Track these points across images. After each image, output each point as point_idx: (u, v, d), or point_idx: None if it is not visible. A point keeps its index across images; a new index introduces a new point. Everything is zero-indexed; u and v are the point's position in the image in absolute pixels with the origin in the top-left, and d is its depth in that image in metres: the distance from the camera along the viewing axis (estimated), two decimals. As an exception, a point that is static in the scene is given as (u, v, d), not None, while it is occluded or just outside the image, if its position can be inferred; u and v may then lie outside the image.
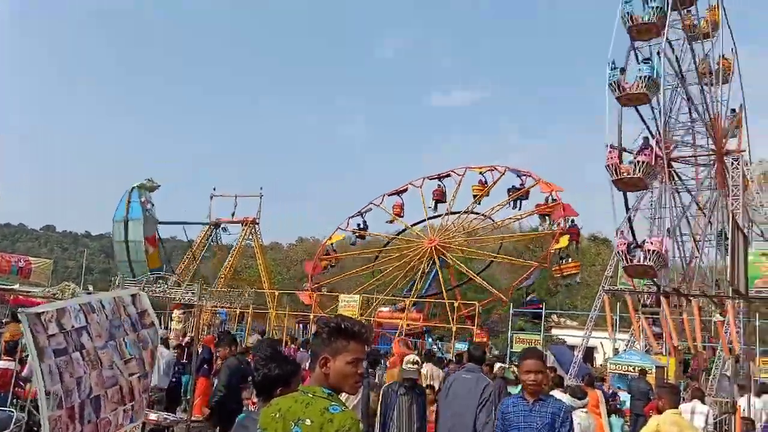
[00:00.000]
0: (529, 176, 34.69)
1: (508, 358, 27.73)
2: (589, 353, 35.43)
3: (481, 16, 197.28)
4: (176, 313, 31.43)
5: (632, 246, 22.82)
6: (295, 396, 2.63)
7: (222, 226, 47.83)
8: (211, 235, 48.06)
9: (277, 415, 2.57)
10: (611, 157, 23.09)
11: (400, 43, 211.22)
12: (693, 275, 27.63)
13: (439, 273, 34.53)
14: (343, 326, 2.66)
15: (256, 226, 47.04)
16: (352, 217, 38.07)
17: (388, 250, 38.88)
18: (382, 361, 14.32)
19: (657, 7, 24.01)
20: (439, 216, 37.32)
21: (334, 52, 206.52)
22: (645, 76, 22.92)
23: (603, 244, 56.74)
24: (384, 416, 7.08)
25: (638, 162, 22.43)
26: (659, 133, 24.26)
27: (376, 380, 11.63)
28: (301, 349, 17.56)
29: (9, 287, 29.13)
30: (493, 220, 36.15)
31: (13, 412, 8.37)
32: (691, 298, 23.80)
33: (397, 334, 30.01)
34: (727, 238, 22.36)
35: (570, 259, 32.11)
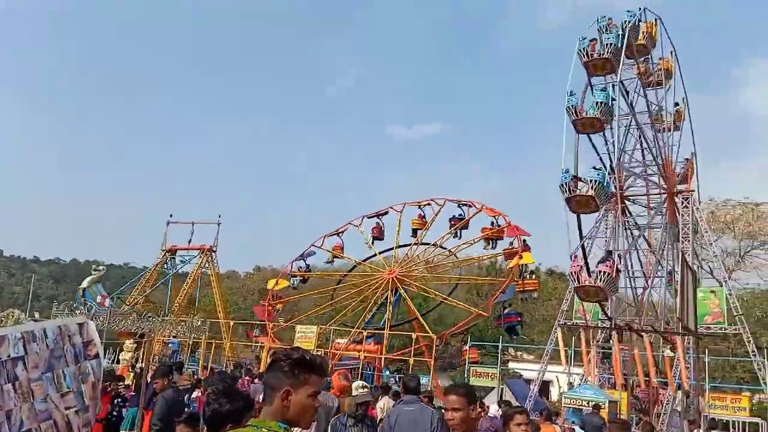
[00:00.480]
0: (471, 206, 35.24)
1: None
2: (545, 387, 35.69)
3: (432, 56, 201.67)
4: (127, 343, 30.45)
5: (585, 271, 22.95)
6: (248, 431, 2.56)
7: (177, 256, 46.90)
8: (166, 263, 47.03)
9: None
10: (575, 266, 23.03)
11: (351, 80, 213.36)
12: (644, 311, 28.19)
13: (401, 302, 34.43)
14: (306, 358, 2.62)
15: (213, 253, 46.28)
16: (296, 260, 37.79)
17: (347, 280, 38.58)
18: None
19: (611, 44, 24.92)
20: (407, 245, 37.31)
21: (290, 85, 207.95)
22: (600, 102, 23.52)
23: (560, 278, 57.57)
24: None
25: (600, 272, 22.35)
26: (612, 167, 24.86)
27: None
28: (256, 381, 17.16)
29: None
30: (445, 248, 36.30)
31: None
32: (642, 333, 24.23)
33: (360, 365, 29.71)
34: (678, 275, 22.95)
35: (533, 276, 32.29)
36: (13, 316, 24.20)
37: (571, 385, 28.11)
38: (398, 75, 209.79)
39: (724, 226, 43.41)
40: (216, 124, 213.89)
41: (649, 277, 28.65)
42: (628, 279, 28.09)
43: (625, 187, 29.00)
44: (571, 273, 22.79)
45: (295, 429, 2.63)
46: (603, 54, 24.72)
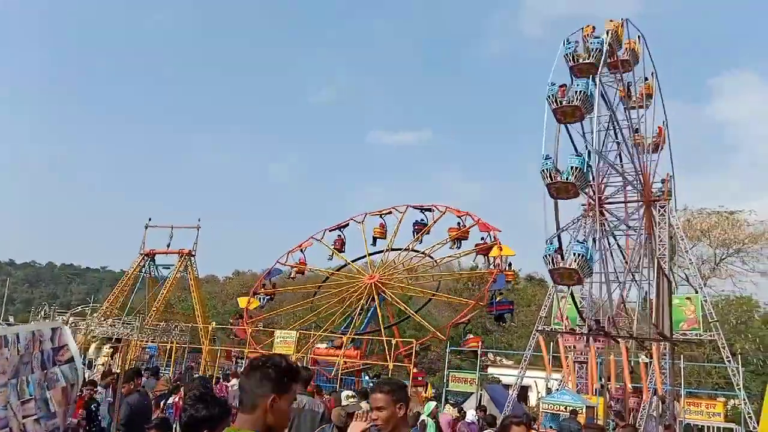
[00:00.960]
0: (435, 209, 35.49)
1: (443, 397, 27.71)
2: (523, 392, 35.86)
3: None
4: (104, 348, 30.09)
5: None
6: None
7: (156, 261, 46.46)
8: (144, 267, 46.52)
9: None
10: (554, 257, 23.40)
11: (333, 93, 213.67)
12: (621, 317, 28.51)
13: (378, 309, 34.40)
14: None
15: (192, 258, 45.87)
16: (264, 279, 37.69)
17: (327, 285, 38.51)
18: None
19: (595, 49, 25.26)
20: (380, 252, 37.39)
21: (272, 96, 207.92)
22: (580, 91, 23.71)
23: (539, 285, 58.00)
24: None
25: (575, 254, 22.63)
26: (593, 185, 25.10)
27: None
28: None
29: None
30: (432, 258, 36.42)
31: None
32: (619, 339, 24.49)
33: (333, 371, 29.61)
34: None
35: (503, 298, 32.50)
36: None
37: (549, 390, 28.27)
38: (379, 85, 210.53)
39: (699, 234, 44.06)
40: (196, 132, 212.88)
41: (626, 284, 28.99)
42: (605, 285, 28.35)
43: (603, 195, 29.34)
44: (546, 256, 22.90)
45: None
46: (587, 59, 25.11)
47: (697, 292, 29.34)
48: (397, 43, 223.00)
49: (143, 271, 46.84)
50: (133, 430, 7.69)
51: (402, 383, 4.14)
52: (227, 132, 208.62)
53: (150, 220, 46.44)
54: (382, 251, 37.21)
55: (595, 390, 23.58)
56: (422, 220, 36.06)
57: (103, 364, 28.34)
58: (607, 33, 26.92)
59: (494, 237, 33.02)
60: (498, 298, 31.89)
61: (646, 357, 24.64)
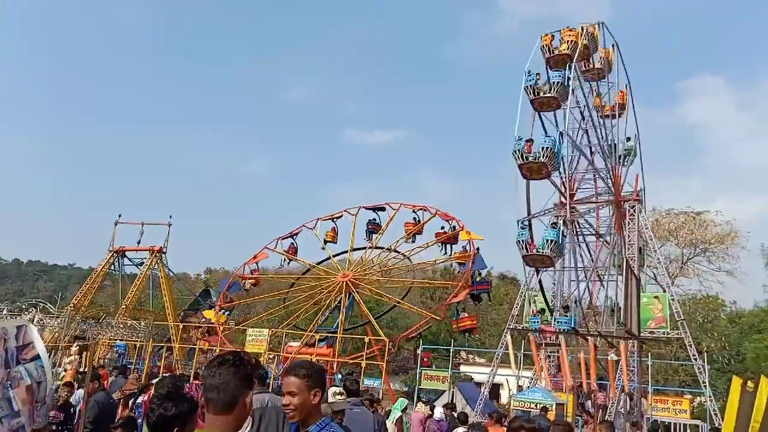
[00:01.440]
0: (426, 210, 35.51)
1: (416, 395, 27.81)
2: (495, 390, 36.17)
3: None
4: (72, 348, 29.47)
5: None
6: None
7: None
8: (113, 263, 45.76)
9: None
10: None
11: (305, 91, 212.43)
12: (591, 315, 28.90)
13: (355, 305, 34.35)
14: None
15: (163, 255, 45.25)
16: (248, 263, 37.38)
17: (300, 284, 38.31)
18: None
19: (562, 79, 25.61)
20: (344, 252, 37.25)
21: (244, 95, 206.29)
22: (557, 82, 23.97)
23: (511, 283, 58.55)
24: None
25: (546, 240, 22.91)
26: (564, 179, 25.42)
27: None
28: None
29: None
30: (400, 252, 36.37)
31: None
32: (588, 337, 24.82)
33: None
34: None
35: (466, 313, 32.38)
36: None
37: (520, 388, 28.55)
38: (353, 84, 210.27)
39: (667, 234, 44.92)
40: (168, 129, 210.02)
41: (596, 282, 29.39)
42: (576, 284, 28.74)
43: (575, 195, 29.71)
44: (519, 242, 23.13)
45: None
46: (562, 50, 25.45)
47: (664, 291, 29.87)
48: (371, 43, 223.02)
49: (112, 268, 46.08)
50: (100, 429, 7.64)
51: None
52: (199, 130, 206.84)
53: (120, 216, 45.74)
54: (363, 248, 37.04)
55: (566, 387, 23.87)
56: (414, 218, 35.96)
57: (70, 363, 27.73)
58: (583, 28, 27.16)
59: (458, 224, 33.10)
60: (477, 278, 32.00)
61: (615, 355, 25.01)
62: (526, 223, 23.51)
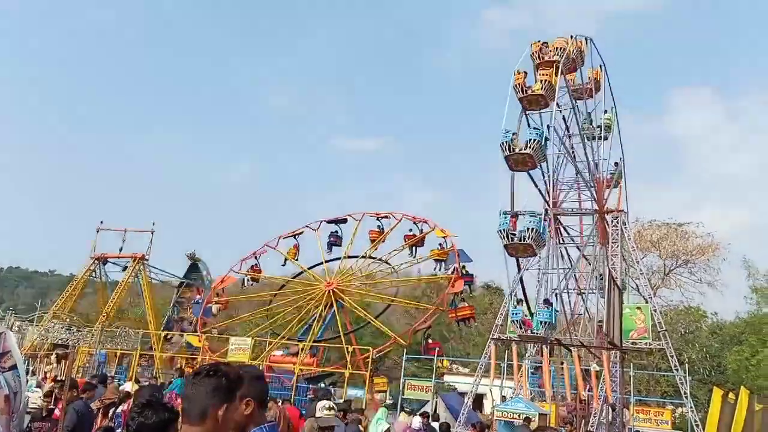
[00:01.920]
0: (425, 223, 35.66)
1: (399, 404, 27.70)
2: (478, 400, 36.12)
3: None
4: (52, 356, 29.10)
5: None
6: None
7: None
8: (94, 271, 45.25)
9: None
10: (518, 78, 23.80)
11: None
12: (575, 326, 29.04)
13: (336, 316, 34.27)
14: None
15: (146, 262, 44.85)
16: (245, 259, 37.26)
17: (284, 293, 38.15)
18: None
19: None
20: (337, 259, 37.30)
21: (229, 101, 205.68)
22: (533, 139, 24.11)
23: (495, 293, 58.63)
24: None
25: (528, 230, 22.96)
26: (547, 189, 25.63)
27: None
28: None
29: None
30: (389, 264, 36.52)
31: None
32: (571, 348, 24.91)
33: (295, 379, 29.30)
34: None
35: (465, 303, 32.83)
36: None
37: (503, 398, 28.55)
38: (336, 93, 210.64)
39: (650, 245, 45.32)
40: (151, 135, 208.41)
41: (580, 293, 29.55)
42: (559, 295, 28.83)
43: (559, 204, 29.91)
44: (500, 231, 23.17)
45: None
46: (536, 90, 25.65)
47: (647, 302, 30.07)
48: (353, 51, 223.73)
49: (94, 275, 45.58)
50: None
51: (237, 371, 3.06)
52: (182, 137, 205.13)
53: (102, 223, 45.32)
54: (339, 258, 37.13)
55: (549, 398, 23.94)
56: (379, 227, 36.17)
57: (50, 371, 27.38)
58: (571, 37, 27.45)
59: (451, 243, 33.33)
60: (460, 304, 32.23)
61: (597, 365, 25.13)
62: (508, 212, 23.58)
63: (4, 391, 4.34)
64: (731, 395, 20.64)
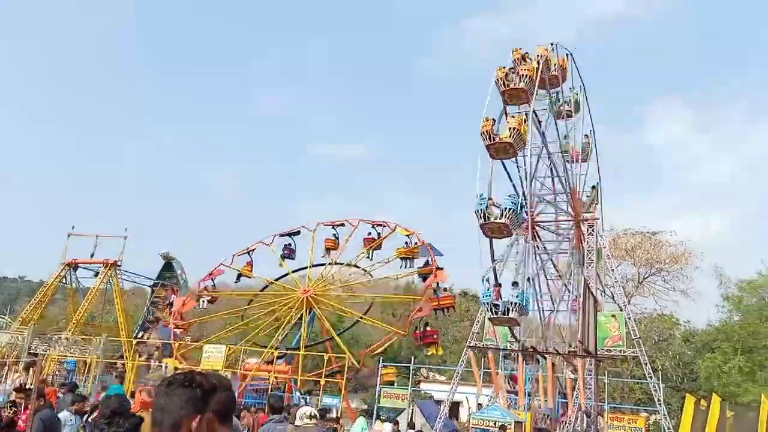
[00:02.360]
0: (386, 226, 35.76)
1: (375, 412, 27.54)
2: (454, 408, 36.12)
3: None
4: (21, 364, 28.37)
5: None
6: None
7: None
8: (65, 276, 44.37)
9: None
10: (486, 125, 23.95)
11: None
12: (550, 334, 29.16)
13: (319, 321, 34.05)
14: (215, 385, 2.52)
15: (118, 268, 44.10)
16: (203, 280, 36.87)
17: (259, 299, 37.78)
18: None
19: (526, 76, 26.04)
20: (304, 268, 37.10)
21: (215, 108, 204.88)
22: (513, 129, 24.30)
23: (472, 300, 58.80)
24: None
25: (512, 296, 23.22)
26: (525, 193, 25.74)
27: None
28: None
29: None
30: (360, 267, 36.37)
31: None
32: (546, 356, 25.02)
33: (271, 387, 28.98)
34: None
35: (429, 326, 32.52)
36: None
37: (480, 405, 28.57)
38: (323, 101, 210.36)
39: (624, 254, 45.85)
40: (130, 139, 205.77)
41: (556, 301, 29.71)
42: (536, 302, 28.97)
43: (535, 213, 30.11)
44: (477, 212, 23.31)
45: None
46: (518, 84, 25.80)
47: (621, 310, 30.36)
48: (340, 59, 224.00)
49: (65, 281, 44.70)
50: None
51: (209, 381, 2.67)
52: (161, 141, 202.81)
53: (73, 228, 44.48)
54: (323, 264, 36.90)
55: (524, 406, 24.02)
56: (378, 234, 36.07)
57: (13, 382, 26.68)
58: (539, 58, 27.81)
59: (432, 260, 33.37)
60: (423, 329, 32.15)
61: (573, 373, 25.29)
62: (485, 195, 23.70)
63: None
64: (703, 402, 20.91)
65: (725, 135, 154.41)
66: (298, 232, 37.13)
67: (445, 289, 32.75)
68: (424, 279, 33.83)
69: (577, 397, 25.65)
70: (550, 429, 23.46)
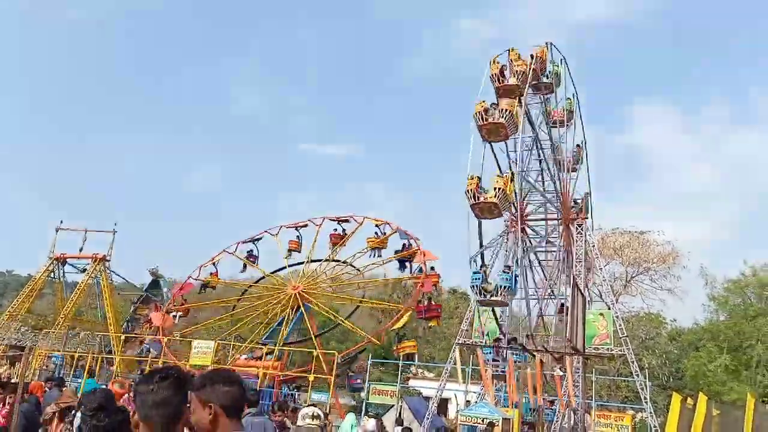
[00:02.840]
0: (351, 220, 35.84)
1: (364, 408, 27.59)
2: (443, 404, 36.22)
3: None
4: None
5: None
6: None
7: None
8: (53, 271, 44.09)
9: None
10: (471, 184, 24.03)
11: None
12: (538, 331, 29.34)
13: (306, 318, 34.01)
14: (191, 377, 2.57)
15: (107, 263, 43.88)
16: (203, 266, 36.77)
17: (248, 297, 37.69)
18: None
19: (520, 72, 26.21)
20: (300, 263, 37.08)
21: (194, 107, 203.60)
22: (504, 110, 24.39)
23: (461, 297, 58.97)
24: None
25: (497, 188, 23.34)
26: (516, 196, 25.86)
27: None
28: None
29: None
30: (355, 267, 36.41)
31: None
32: (535, 353, 25.15)
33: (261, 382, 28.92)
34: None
35: (406, 338, 32.50)
36: None
37: (468, 402, 28.66)
38: (306, 98, 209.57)
39: (612, 253, 46.14)
40: (116, 135, 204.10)
41: (544, 299, 29.88)
42: (524, 301, 29.12)
43: (525, 212, 30.24)
44: (474, 287, 23.44)
45: None
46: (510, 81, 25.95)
47: (609, 308, 30.56)
48: (324, 56, 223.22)
49: (53, 276, 44.43)
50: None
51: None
52: (146, 138, 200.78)
53: (62, 222, 44.23)
54: (302, 262, 36.93)
55: (513, 403, 24.13)
56: (343, 230, 36.13)
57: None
58: (533, 57, 27.95)
59: (415, 243, 33.45)
60: (427, 303, 32.26)
61: (561, 371, 25.43)
62: (474, 177, 23.83)
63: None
64: (690, 401, 21.09)
65: (710, 136, 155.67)
66: (260, 238, 37.13)
67: (429, 299, 32.81)
68: (401, 264, 34.07)
69: (565, 395, 25.80)
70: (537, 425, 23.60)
